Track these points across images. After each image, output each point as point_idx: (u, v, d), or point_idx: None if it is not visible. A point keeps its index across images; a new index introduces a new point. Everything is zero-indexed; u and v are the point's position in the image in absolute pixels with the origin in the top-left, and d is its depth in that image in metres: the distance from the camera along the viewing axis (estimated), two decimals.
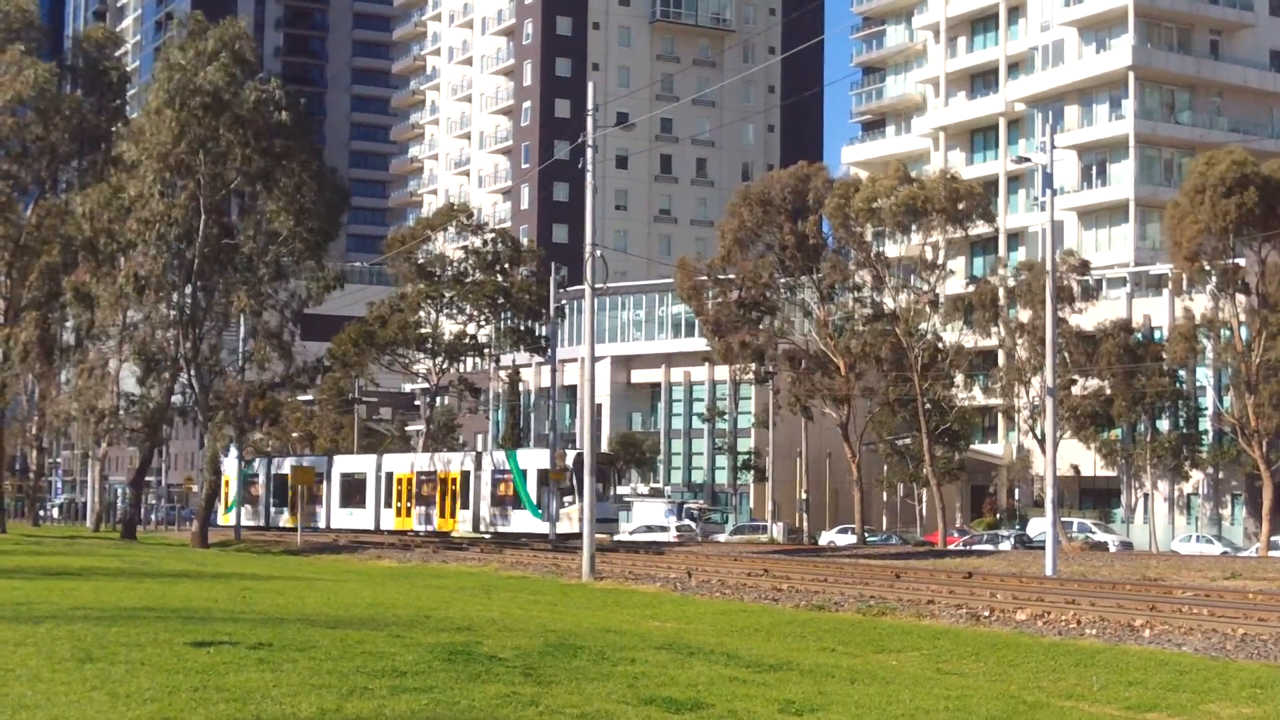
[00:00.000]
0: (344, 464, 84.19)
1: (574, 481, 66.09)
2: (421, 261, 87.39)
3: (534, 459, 71.96)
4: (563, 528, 67.42)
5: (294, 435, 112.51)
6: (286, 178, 66.43)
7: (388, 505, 79.01)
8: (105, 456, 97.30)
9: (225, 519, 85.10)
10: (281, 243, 66.84)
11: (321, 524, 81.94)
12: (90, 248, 68.68)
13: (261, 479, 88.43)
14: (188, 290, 67.28)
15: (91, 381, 76.23)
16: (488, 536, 72.34)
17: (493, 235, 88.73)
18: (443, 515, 75.45)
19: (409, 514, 77.39)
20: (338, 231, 70.98)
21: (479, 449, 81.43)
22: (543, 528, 69.17)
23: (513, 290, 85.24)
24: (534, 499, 70.10)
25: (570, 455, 69.80)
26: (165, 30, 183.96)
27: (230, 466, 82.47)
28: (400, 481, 78.34)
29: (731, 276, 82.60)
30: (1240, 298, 74.34)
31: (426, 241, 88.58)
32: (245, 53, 66.92)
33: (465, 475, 74.66)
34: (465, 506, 74.45)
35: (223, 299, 68.04)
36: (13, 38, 76.92)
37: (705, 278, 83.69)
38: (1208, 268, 74.17)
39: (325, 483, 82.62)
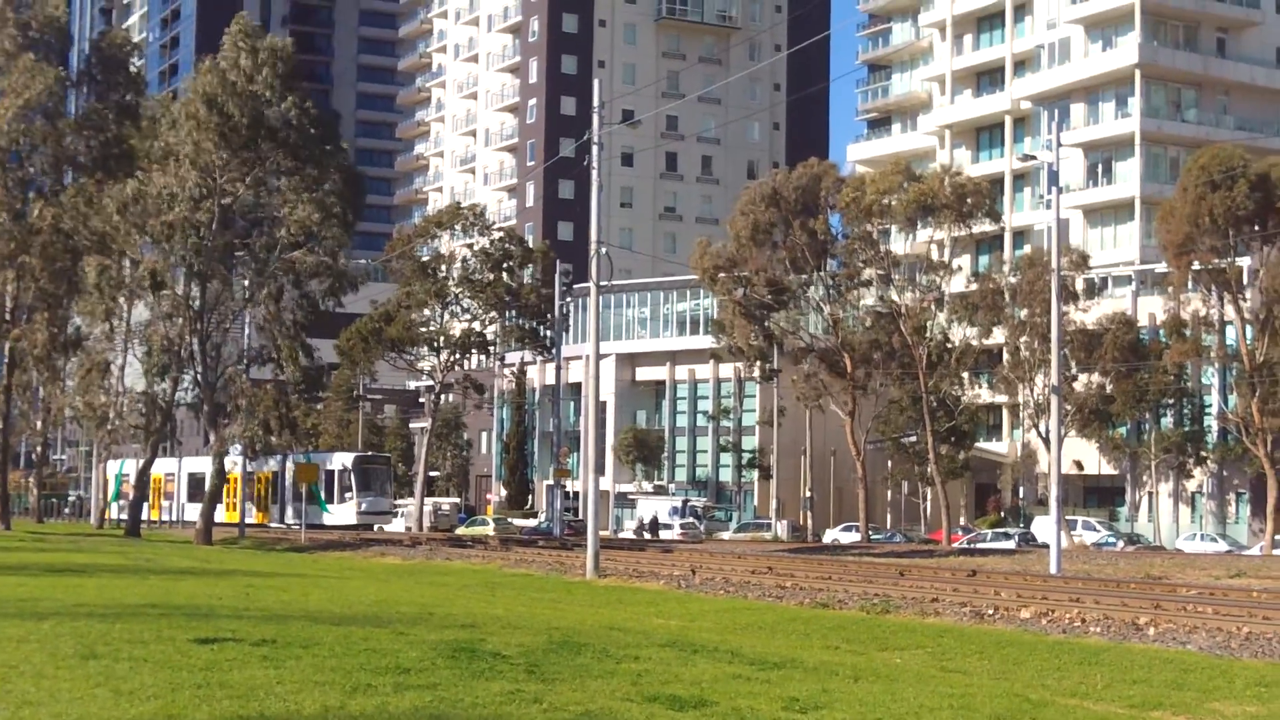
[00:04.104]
0: (190, 465, 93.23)
1: (351, 481, 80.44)
2: (426, 260, 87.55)
3: (325, 462, 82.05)
4: (337, 520, 78.83)
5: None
6: (317, 185, 67.72)
7: (220, 501, 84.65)
8: (110, 453, 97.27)
9: (106, 515, 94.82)
10: (305, 243, 67.87)
11: (171, 518, 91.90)
12: (109, 242, 69.25)
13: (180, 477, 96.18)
14: (200, 287, 68.11)
15: (96, 378, 76.37)
16: (295, 527, 79.04)
17: (500, 235, 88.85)
18: (259, 509, 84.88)
19: (237, 509, 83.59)
20: (359, 220, 73.13)
21: (286, 455, 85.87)
22: (331, 520, 79.19)
23: (519, 290, 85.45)
24: (324, 496, 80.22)
25: (350, 457, 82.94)
26: (171, 28, 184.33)
27: (111, 468, 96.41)
28: (232, 480, 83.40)
29: (745, 274, 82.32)
30: (1245, 295, 74.17)
31: (432, 239, 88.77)
32: (290, 67, 68.55)
33: (275, 476, 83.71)
34: (275, 502, 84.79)
35: (243, 296, 69.89)
36: (30, 45, 76.86)
37: (724, 273, 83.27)
38: (1199, 266, 73.95)
39: (176, 481, 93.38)
